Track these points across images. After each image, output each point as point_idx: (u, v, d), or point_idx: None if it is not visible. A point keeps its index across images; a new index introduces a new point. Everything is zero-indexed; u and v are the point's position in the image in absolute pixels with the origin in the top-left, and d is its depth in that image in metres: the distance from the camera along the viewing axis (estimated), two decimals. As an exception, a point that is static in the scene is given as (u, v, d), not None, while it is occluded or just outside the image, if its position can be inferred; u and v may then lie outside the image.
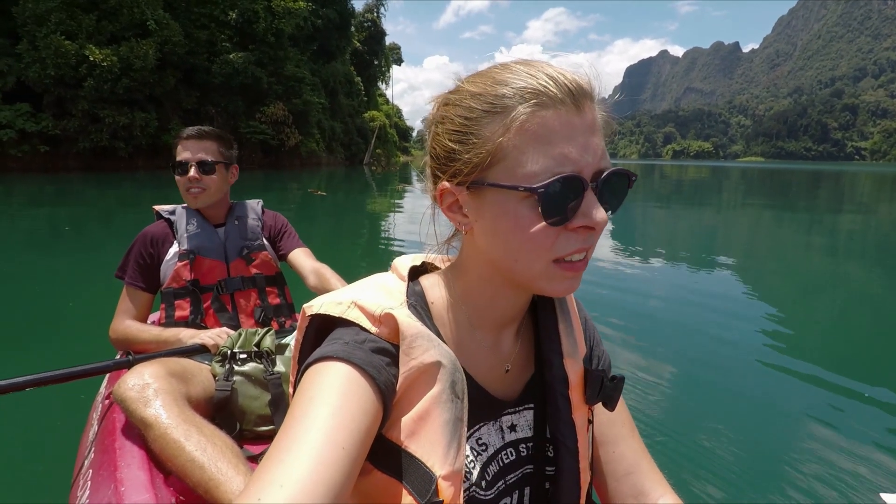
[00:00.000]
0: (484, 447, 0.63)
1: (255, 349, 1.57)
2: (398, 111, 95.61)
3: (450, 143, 0.57)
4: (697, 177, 39.87)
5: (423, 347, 0.56)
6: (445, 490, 0.53)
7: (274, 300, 1.90)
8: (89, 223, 8.89)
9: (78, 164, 25.20)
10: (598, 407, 0.71)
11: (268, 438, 1.50)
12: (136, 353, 1.50)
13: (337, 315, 0.58)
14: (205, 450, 1.15)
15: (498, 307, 0.63)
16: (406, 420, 0.55)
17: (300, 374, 0.55)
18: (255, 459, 1.34)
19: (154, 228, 1.80)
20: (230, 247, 1.84)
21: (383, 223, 9.97)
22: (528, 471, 0.67)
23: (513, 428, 0.67)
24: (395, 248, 7.04)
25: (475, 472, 0.61)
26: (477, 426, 0.63)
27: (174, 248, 1.76)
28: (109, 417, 1.38)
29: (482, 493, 0.61)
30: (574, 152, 0.52)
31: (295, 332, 1.65)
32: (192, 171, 1.74)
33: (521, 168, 0.53)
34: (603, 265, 5.87)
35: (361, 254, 6.78)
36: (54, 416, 2.31)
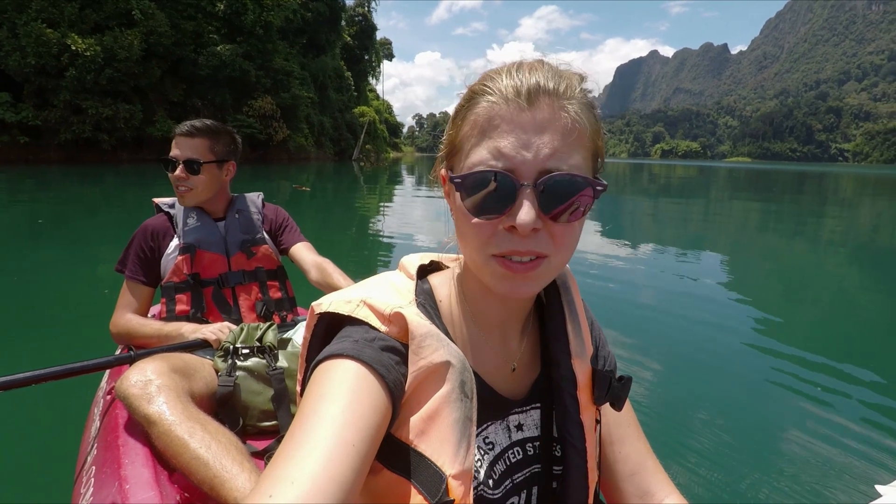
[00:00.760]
0: (491, 446, 0.63)
1: (258, 344, 1.56)
2: (389, 107, 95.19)
3: (448, 133, 0.60)
4: (685, 175, 40.32)
5: (433, 347, 0.56)
6: (455, 489, 0.52)
7: (275, 294, 1.88)
8: (71, 216, 8.66)
9: (59, 155, 24.66)
10: (605, 407, 0.71)
11: (271, 434, 1.49)
12: (138, 349, 1.48)
13: (346, 314, 0.58)
14: (209, 447, 1.14)
15: (492, 304, 0.63)
16: (415, 419, 0.55)
17: (309, 372, 0.55)
18: (258, 455, 1.34)
19: (154, 222, 1.78)
20: (231, 240, 1.82)
21: (372, 220, 9.87)
22: (536, 470, 0.66)
23: (520, 427, 0.66)
24: (384, 245, 6.94)
25: (482, 471, 0.61)
26: (484, 425, 0.63)
27: (174, 242, 1.75)
28: (111, 414, 1.37)
29: (490, 491, 0.61)
30: (509, 147, 0.52)
31: (298, 327, 1.46)
32: (179, 171, 1.72)
33: (465, 159, 0.55)
34: (592, 262, 5.86)
35: (348, 250, 6.68)
36: (55, 412, 2.27)
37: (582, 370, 0.66)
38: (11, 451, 2.06)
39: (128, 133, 26.31)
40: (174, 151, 1.73)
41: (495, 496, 0.62)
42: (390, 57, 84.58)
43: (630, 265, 5.96)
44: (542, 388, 0.69)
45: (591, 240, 7.51)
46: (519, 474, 0.65)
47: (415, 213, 10.87)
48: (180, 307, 1.72)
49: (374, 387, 0.51)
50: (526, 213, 0.51)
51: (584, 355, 0.67)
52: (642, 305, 4.41)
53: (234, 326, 1.59)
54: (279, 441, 1.19)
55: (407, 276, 0.66)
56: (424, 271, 0.69)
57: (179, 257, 1.72)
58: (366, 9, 62.10)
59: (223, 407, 1.45)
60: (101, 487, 1.12)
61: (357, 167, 35.65)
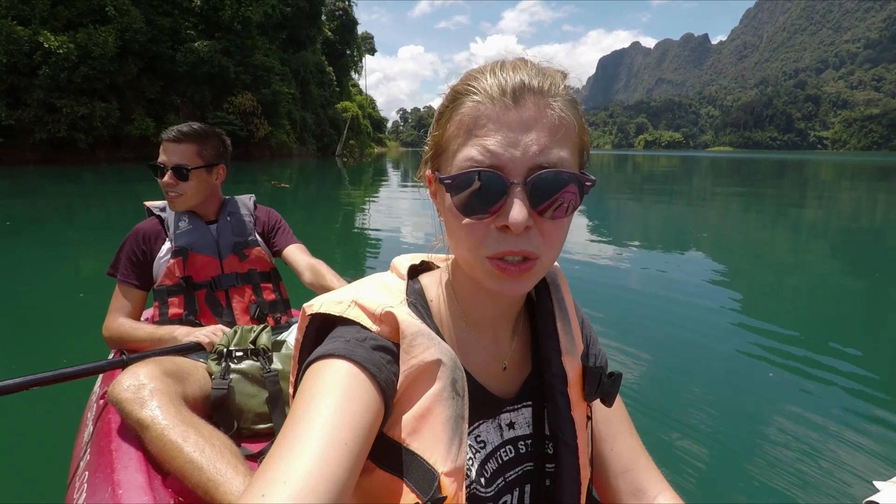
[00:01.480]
0: (482, 444, 0.64)
1: (252, 346, 1.56)
2: (372, 102, 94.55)
3: (431, 130, 0.60)
4: (669, 166, 40.62)
5: (424, 346, 0.56)
6: (448, 487, 0.52)
7: (269, 296, 1.88)
8: (47, 218, 8.54)
9: (35, 156, 24.24)
10: (596, 404, 0.71)
11: (266, 436, 1.49)
12: (130, 353, 1.46)
13: (337, 314, 0.58)
14: (203, 451, 1.14)
15: (489, 303, 0.64)
16: (407, 418, 0.55)
17: (301, 372, 0.55)
18: (253, 458, 1.33)
19: (145, 225, 1.77)
20: (223, 243, 1.82)
21: (358, 216, 9.78)
22: (528, 468, 0.67)
23: (511, 425, 0.67)
24: (371, 242, 6.92)
25: (474, 470, 0.61)
26: (475, 424, 0.63)
27: (166, 246, 1.74)
28: (104, 418, 1.36)
29: (482, 490, 0.62)
30: (497, 146, 0.52)
31: (292, 329, 1.46)
32: (167, 177, 1.72)
33: (452, 159, 0.55)
34: (577, 257, 5.83)
35: (333, 247, 6.65)
36: (47, 416, 2.22)
37: (572, 367, 0.67)
38: (4, 456, 2.04)
39: (105, 132, 25.92)
40: (162, 157, 1.73)
41: (488, 494, 0.62)
42: (372, 51, 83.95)
43: (614, 259, 5.93)
44: (534, 386, 0.69)
45: (576, 234, 7.47)
46: (511, 472, 0.66)
47: (401, 208, 10.85)
48: (173, 310, 1.71)
49: (365, 386, 0.51)
50: (518, 211, 0.51)
51: (575, 352, 0.68)
52: (628, 300, 4.41)
53: (227, 329, 1.58)
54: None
55: (398, 277, 0.67)
56: (415, 271, 0.70)
57: (171, 260, 1.72)
58: (346, 3, 61.57)
59: (217, 410, 1.45)
60: (94, 492, 1.12)
61: (340, 163, 35.49)
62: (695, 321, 3.86)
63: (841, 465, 2.08)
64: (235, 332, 1.59)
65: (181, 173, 1.72)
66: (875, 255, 6.82)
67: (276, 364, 1.56)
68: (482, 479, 0.62)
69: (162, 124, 28.86)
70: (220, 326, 1.60)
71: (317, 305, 0.60)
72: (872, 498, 1.05)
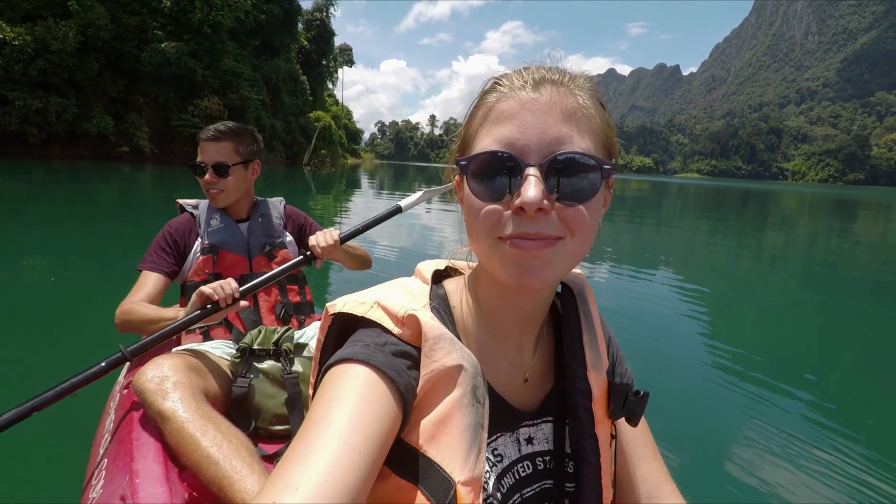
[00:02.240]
0: (500, 458, 0.62)
1: (274, 347, 1.57)
2: (348, 113, 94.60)
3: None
4: (640, 190, 41.45)
5: (446, 350, 0.55)
6: (464, 496, 0.51)
7: (294, 298, 1.90)
8: None
9: (-16, 149, 23.40)
10: (621, 425, 0.70)
11: (282, 438, 1.49)
12: (127, 348, 1.37)
13: (360, 315, 0.57)
14: (220, 447, 1.15)
15: (512, 312, 0.62)
16: (426, 423, 0.54)
17: (321, 375, 0.55)
18: (269, 459, 1.33)
19: (179, 220, 1.82)
20: (253, 242, 1.85)
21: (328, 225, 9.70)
22: (546, 486, 0.65)
23: (530, 440, 0.65)
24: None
25: (491, 484, 0.60)
26: (493, 437, 0.62)
27: (199, 242, 1.78)
28: (127, 407, 1.36)
29: None
30: (515, 130, 0.52)
31: (315, 333, 1.49)
32: (209, 175, 1.78)
33: (473, 147, 0.56)
34: None
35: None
36: (70, 403, 2.21)
37: (597, 383, 0.65)
38: (26, 441, 2.02)
39: (60, 127, 25.23)
40: (201, 157, 1.79)
41: None
42: (350, 63, 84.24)
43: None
44: (555, 401, 0.68)
45: None
46: (528, 489, 0.64)
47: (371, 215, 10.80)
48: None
49: (383, 392, 0.50)
50: (531, 190, 0.50)
51: (600, 368, 0.66)
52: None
53: (234, 282, 1.49)
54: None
55: (422, 281, 0.66)
56: (440, 277, 0.69)
57: (202, 257, 1.75)
58: (324, 14, 61.82)
59: (236, 408, 1.45)
60: (111, 480, 1.12)
61: (307, 172, 35.26)
62: (658, 340, 3.95)
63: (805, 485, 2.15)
64: (259, 331, 1.61)
65: (221, 170, 1.79)
66: (830, 282, 7.19)
67: (298, 367, 1.58)
68: (498, 494, 0.60)
69: (122, 123, 28.30)
70: (229, 280, 1.48)
71: (340, 305, 0.59)
72: None
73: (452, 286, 0.66)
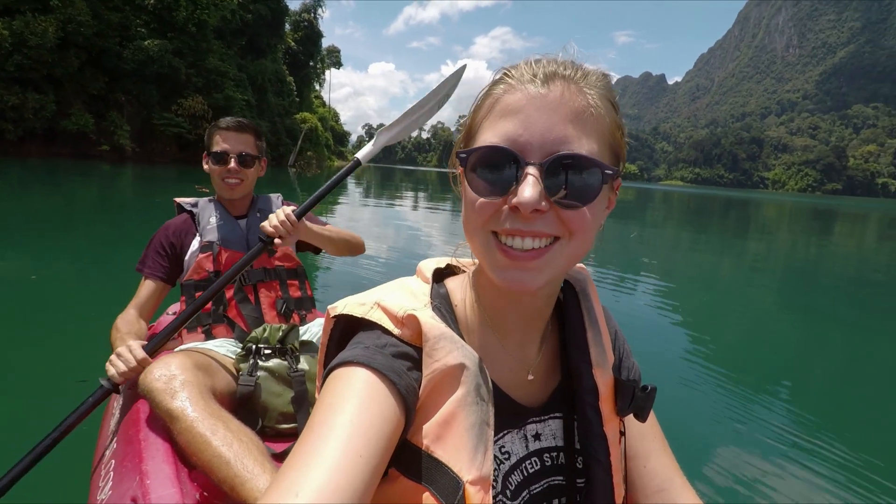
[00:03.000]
0: (507, 455, 0.61)
1: (279, 345, 1.56)
2: (335, 114, 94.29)
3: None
4: (624, 198, 42.25)
5: (447, 349, 0.54)
6: (473, 496, 0.50)
7: (295, 293, 1.88)
8: None
9: (-45, 144, 22.79)
10: (629, 419, 0.69)
11: (289, 436, 1.48)
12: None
13: (360, 316, 0.57)
14: (231, 445, 1.13)
15: (515, 309, 0.62)
16: (431, 424, 0.53)
17: (323, 378, 0.55)
18: (277, 457, 1.31)
19: (176, 221, 1.82)
20: (252, 238, 1.83)
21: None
22: (556, 482, 0.65)
23: (537, 437, 0.64)
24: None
25: (499, 481, 0.60)
26: (500, 434, 0.61)
27: (197, 240, 1.76)
28: (132, 408, 1.35)
29: (509, 502, 0.60)
30: (519, 125, 0.51)
31: (320, 329, 1.42)
32: (233, 163, 1.78)
33: (476, 140, 0.55)
34: None
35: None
36: (73, 403, 2.16)
37: (603, 380, 0.64)
38: (24, 442, 1.92)
39: (37, 124, 24.67)
40: (223, 146, 1.78)
41: None
42: (338, 65, 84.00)
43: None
44: (562, 397, 0.67)
45: None
46: (536, 485, 0.63)
47: (362, 218, 10.88)
48: None
49: (384, 394, 0.50)
50: (528, 190, 0.49)
51: (606, 365, 0.65)
52: None
53: (138, 352, 1.40)
54: None
55: (423, 281, 0.65)
56: (441, 275, 0.68)
57: (201, 255, 1.72)
58: (312, 15, 61.53)
59: (243, 407, 1.44)
60: (120, 481, 1.11)
61: (292, 173, 34.99)
62: (639, 340, 4.02)
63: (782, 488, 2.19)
64: (264, 329, 1.59)
65: (247, 160, 1.80)
66: (808, 289, 7.43)
67: (304, 364, 1.56)
68: (507, 492, 0.60)
69: (102, 121, 27.79)
70: (130, 346, 1.41)
71: (340, 307, 0.59)
72: None
73: (454, 284, 0.66)
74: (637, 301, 5.53)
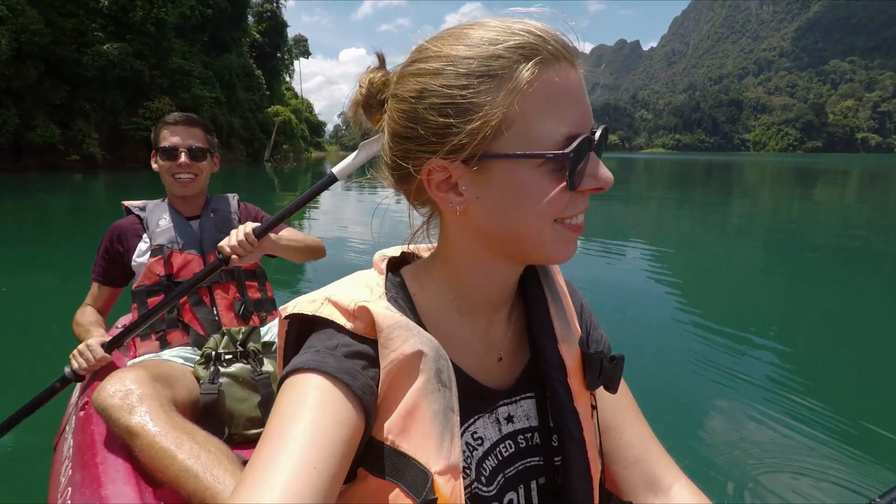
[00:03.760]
0: (480, 441, 0.61)
1: (241, 349, 1.51)
2: (309, 105, 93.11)
3: (441, 119, 0.51)
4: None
5: (402, 338, 0.53)
6: (443, 486, 0.50)
7: (254, 294, 1.81)
8: None
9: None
10: (601, 391, 0.68)
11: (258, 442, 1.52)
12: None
13: (310, 313, 0.56)
14: (198, 457, 1.09)
15: (489, 287, 0.61)
16: (394, 417, 0.52)
17: (278, 387, 0.53)
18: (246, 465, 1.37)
19: (123, 223, 1.76)
20: (206, 239, 1.76)
21: (298, 225, 9.66)
22: (532, 463, 0.64)
23: (510, 419, 0.64)
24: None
25: (473, 468, 0.59)
26: (471, 420, 0.61)
27: (144, 244, 1.71)
28: (87, 430, 1.28)
29: (484, 489, 0.59)
30: (578, 112, 0.51)
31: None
32: (184, 157, 1.70)
33: (529, 133, 0.50)
34: None
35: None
36: (22, 428, 2.22)
37: (570, 355, 0.64)
38: None
39: (2, 139, 24.36)
40: (172, 140, 1.70)
41: (490, 493, 0.60)
42: (306, 54, 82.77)
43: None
44: (532, 376, 0.66)
45: None
46: (511, 468, 0.63)
47: (347, 211, 10.85)
48: None
49: (338, 399, 0.49)
50: (606, 171, 0.53)
51: (572, 339, 0.65)
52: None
53: (97, 351, 1.45)
54: None
55: (378, 272, 0.63)
56: (398, 265, 0.67)
57: (151, 259, 1.65)
58: (274, 5, 60.39)
59: (207, 416, 1.38)
60: None
61: (269, 168, 34.82)
62: (628, 307, 4.17)
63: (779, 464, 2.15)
64: (223, 334, 1.54)
65: (198, 154, 1.73)
66: (794, 247, 7.54)
67: (268, 366, 1.52)
68: (482, 478, 0.59)
69: (69, 131, 27.46)
70: (88, 343, 1.48)
71: (291, 307, 0.58)
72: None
73: (410, 272, 0.64)
74: (624, 269, 5.68)
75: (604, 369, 0.63)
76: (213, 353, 1.49)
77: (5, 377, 2.88)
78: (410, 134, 0.53)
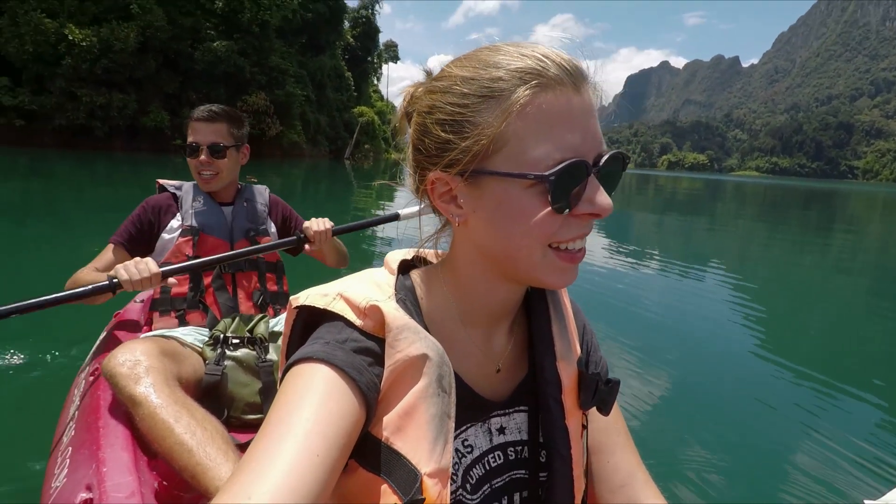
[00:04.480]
0: (469, 449, 0.62)
1: (248, 335, 1.55)
2: (393, 108, 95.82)
3: (443, 134, 0.54)
4: (691, 187, 39.33)
5: (409, 340, 0.54)
6: (431, 488, 0.51)
7: (272, 287, 1.85)
8: (59, 198, 9.05)
9: (54, 140, 25.71)
10: (593, 413, 0.69)
11: (255, 427, 1.43)
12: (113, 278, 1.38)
13: (322, 307, 0.57)
14: (194, 433, 1.13)
15: (491, 301, 0.62)
16: (391, 416, 0.53)
17: (283, 373, 0.54)
18: (241, 448, 1.29)
19: (158, 197, 1.78)
20: (236, 227, 1.80)
21: (354, 214, 9.84)
22: (518, 476, 0.65)
23: (501, 430, 0.65)
24: (367, 241, 6.79)
25: (459, 475, 0.60)
26: (464, 427, 0.62)
27: (176, 222, 1.73)
28: (93, 394, 1.33)
29: (468, 496, 0.60)
30: (577, 137, 0.51)
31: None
32: (204, 155, 1.72)
33: (524, 155, 0.51)
34: (597, 271, 5.90)
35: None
36: (33, 388, 2.24)
37: (567, 373, 0.64)
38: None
39: (121, 122, 27.32)
40: (195, 137, 1.73)
41: (473, 501, 0.61)
42: (395, 59, 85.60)
43: (633, 278, 5.96)
44: (528, 390, 0.67)
45: (595, 246, 7.52)
46: (498, 479, 0.63)
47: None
48: (177, 289, 1.68)
49: (344, 391, 0.50)
50: (605, 197, 0.52)
51: (570, 357, 0.66)
52: (643, 317, 4.40)
53: (153, 264, 1.41)
54: None
55: (389, 272, 0.65)
56: (408, 267, 0.68)
57: (181, 239, 1.69)
58: (369, 11, 63.17)
59: (209, 396, 1.42)
60: (76, 468, 1.09)
61: (349, 165, 36.31)
62: (705, 342, 3.94)
63: (832, 480, 2.13)
64: (234, 318, 1.58)
65: (217, 151, 1.73)
66: None
67: (272, 354, 1.55)
68: (467, 486, 0.60)
69: (177, 118, 30.21)
70: (147, 260, 1.42)
71: (303, 298, 0.58)
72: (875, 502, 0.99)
73: (420, 276, 0.65)
74: (700, 295, 5.37)
75: (599, 391, 0.64)
76: (222, 335, 1.52)
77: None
78: (421, 146, 0.57)
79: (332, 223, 1.73)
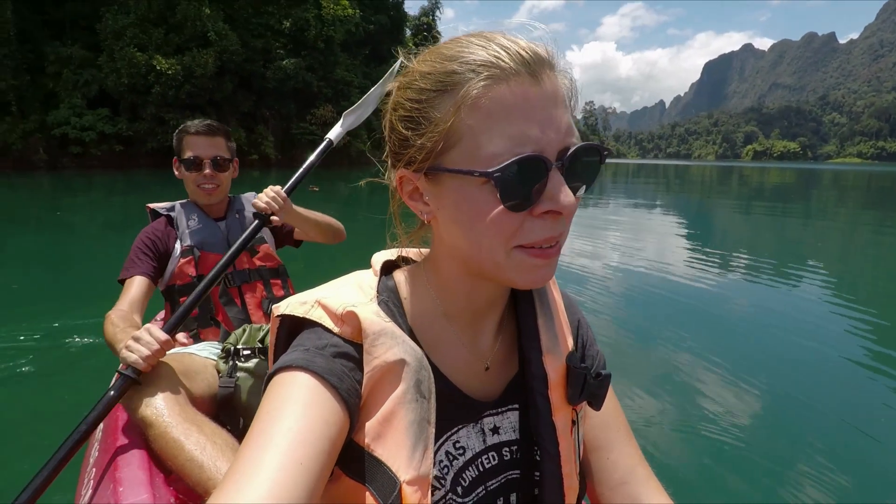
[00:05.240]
0: (462, 451, 0.60)
1: (260, 345, 1.57)
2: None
3: (403, 131, 0.52)
4: (781, 180, 35.06)
5: (387, 345, 0.53)
6: (410, 496, 0.50)
7: (279, 292, 1.86)
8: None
9: (149, 161, 28.51)
10: (592, 411, 0.68)
11: None
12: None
13: (301, 315, 0.56)
14: (204, 449, 1.15)
15: (474, 299, 0.60)
16: (372, 423, 0.53)
17: (265, 383, 0.53)
18: None
19: (156, 225, 1.78)
20: (232, 240, 1.79)
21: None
22: (514, 476, 0.64)
23: (495, 430, 0.63)
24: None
25: (449, 478, 0.59)
26: (455, 429, 0.60)
27: (178, 245, 1.75)
28: (113, 416, 1.37)
29: (459, 499, 0.59)
30: (534, 130, 0.47)
31: None
32: (208, 169, 1.75)
33: (478, 150, 0.48)
34: (672, 272, 5.76)
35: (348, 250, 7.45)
36: (69, 414, 2.18)
37: (554, 368, 0.62)
38: (24, 451, 2.07)
39: (203, 141, 29.73)
40: (195, 151, 1.74)
41: None
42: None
43: (715, 276, 5.74)
44: (519, 387, 0.65)
45: (673, 249, 7.43)
46: (493, 481, 0.62)
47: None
48: None
49: (325, 398, 0.49)
50: (566, 195, 0.49)
51: (558, 352, 0.63)
52: (731, 321, 4.27)
53: (160, 334, 1.35)
54: None
55: (374, 273, 0.64)
56: (392, 267, 0.66)
57: (182, 260, 1.71)
58: (430, 17, 64.20)
59: (224, 409, 1.45)
60: (97, 489, 1.13)
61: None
62: (802, 346, 3.71)
63: (861, 481, 2.07)
64: (244, 330, 1.60)
65: (222, 164, 1.76)
66: None
67: None
68: (458, 489, 0.59)
69: (252, 134, 32.41)
70: (144, 331, 1.32)
71: (283, 307, 0.58)
72: None
73: (402, 276, 0.63)
74: (797, 297, 5.04)
75: (588, 385, 0.62)
76: (233, 348, 1.54)
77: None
78: (390, 143, 0.56)
79: (279, 187, 1.68)
